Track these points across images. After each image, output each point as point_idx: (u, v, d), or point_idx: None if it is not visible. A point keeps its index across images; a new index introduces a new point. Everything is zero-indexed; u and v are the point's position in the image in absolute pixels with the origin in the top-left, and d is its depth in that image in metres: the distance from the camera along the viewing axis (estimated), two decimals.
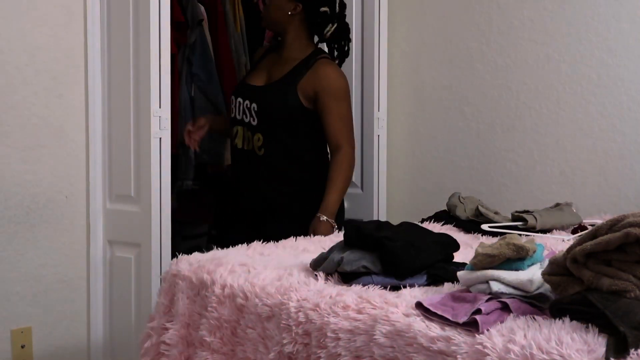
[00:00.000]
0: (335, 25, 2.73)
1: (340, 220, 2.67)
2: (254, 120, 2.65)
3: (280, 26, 2.72)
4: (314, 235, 2.38)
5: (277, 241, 2.15)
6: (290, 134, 2.65)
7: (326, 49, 2.79)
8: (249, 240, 2.15)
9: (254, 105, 2.65)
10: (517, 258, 1.38)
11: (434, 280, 1.59)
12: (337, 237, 2.16)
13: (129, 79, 2.61)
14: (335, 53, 2.78)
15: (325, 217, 2.52)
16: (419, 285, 1.57)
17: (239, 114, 2.68)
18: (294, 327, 1.52)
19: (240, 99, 2.68)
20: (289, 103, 2.62)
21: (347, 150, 2.64)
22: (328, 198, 2.56)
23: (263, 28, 3.41)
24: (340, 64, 2.77)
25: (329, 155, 2.71)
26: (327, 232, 2.47)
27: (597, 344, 1.15)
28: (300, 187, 2.68)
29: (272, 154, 2.64)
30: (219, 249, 2.04)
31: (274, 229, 2.47)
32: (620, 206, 2.78)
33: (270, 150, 2.63)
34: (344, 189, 2.64)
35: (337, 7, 2.74)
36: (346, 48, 2.79)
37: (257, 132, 2.64)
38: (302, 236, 2.25)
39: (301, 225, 2.52)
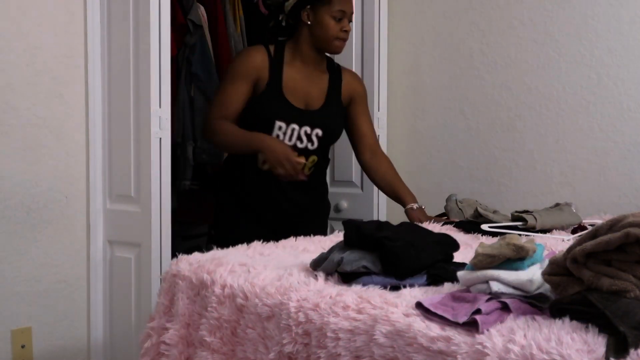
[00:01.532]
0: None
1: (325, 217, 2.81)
2: (312, 145, 2.58)
3: None
4: (421, 222, 2.45)
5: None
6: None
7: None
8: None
9: (316, 131, 2.57)
10: (517, 258, 1.38)
11: (434, 280, 1.59)
12: (337, 237, 2.16)
13: (129, 79, 2.61)
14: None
15: (418, 205, 2.63)
16: (419, 285, 1.56)
17: (289, 140, 2.53)
18: (294, 327, 1.52)
19: (294, 126, 2.53)
20: (342, 122, 2.70)
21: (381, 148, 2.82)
22: (405, 189, 2.70)
23: (263, 28, 3.42)
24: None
25: (361, 155, 2.76)
26: (426, 216, 2.59)
27: (597, 344, 1.15)
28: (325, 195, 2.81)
29: (319, 172, 2.68)
30: (219, 249, 2.04)
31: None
32: (620, 206, 2.78)
33: (318, 169, 2.65)
34: None
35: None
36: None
37: (312, 154, 2.58)
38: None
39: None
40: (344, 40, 2.57)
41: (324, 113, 2.61)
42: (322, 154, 2.65)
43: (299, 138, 2.55)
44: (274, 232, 2.35)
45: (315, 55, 2.62)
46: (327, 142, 2.64)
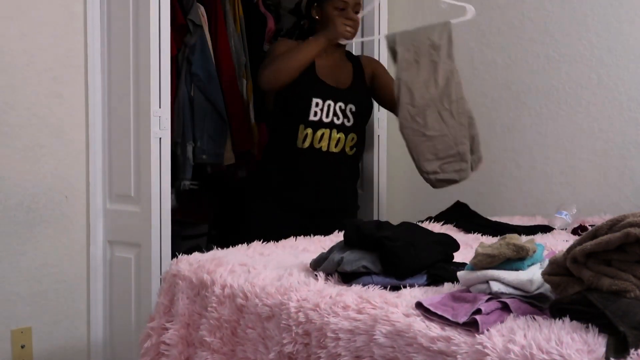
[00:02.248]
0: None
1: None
2: (348, 121, 2.74)
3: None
4: None
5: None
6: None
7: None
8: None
9: (350, 106, 2.74)
10: (517, 258, 1.38)
11: (434, 280, 1.59)
12: (337, 237, 2.16)
13: (129, 79, 2.61)
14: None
15: None
16: (419, 285, 1.57)
17: (327, 117, 2.70)
18: (294, 327, 1.52)
19: (330, 102, 2.71)
20: (371, 100, 2.87)
21: None
22: None
23: (263, 28, 3.42)
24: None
25: None
26: None
27: (597, 344, 1.15)
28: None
29: (359, 153, 2.86)
30: (220, 249, 2.05)
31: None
32: (620, 206, 2.78)
33: (359, 150, 2.83)
34: None
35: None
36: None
37: (351, 132, 2.75)
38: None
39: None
40: (352, 28, 2.69)
41: (354, 90, 2.79)
42: (359, 138, 2.80)
43: (335, 114, 2.71)
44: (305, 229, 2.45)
45: (334, 47, 2.78)
46: (360, 118, 2.79)
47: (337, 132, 2.71)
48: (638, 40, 2.82)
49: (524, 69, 3.09)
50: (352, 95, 2.76)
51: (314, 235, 2.28)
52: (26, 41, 2.58)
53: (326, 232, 2.32)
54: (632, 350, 1.11)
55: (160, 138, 2.57)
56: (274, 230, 2.34)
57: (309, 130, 2.67)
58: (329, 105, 2.69)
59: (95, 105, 2.71)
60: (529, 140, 3.08)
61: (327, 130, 2.69)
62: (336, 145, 2.71)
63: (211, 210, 3.49)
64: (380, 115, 3.23)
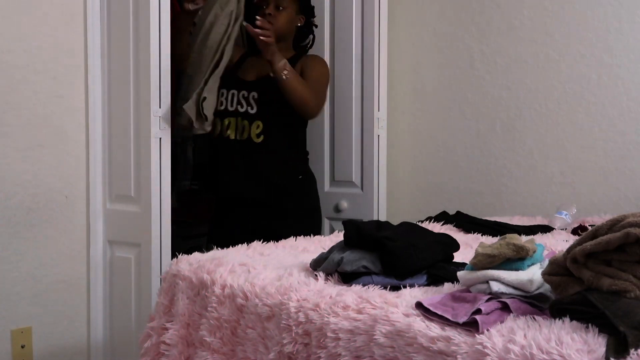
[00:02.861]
0: (312, 37, 3.02)
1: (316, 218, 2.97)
2: (252, 109, 2.79)
3: (286, 36, 2.88)
4: None
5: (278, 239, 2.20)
6: (287, 124, 2.82)
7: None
8: (249, 235, 2.27)
9: (253, 94, 2.80)
10: (517, 258, 1.38)
11: (434, 280, 1.59)
12: (337, 237, 2.16)
13: (129, 79, 2.61)
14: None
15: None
16: (419, 285, 1.57)
17: (231, 106, 2.82)
18: (294, 327, 1.52)
19: (234, 91, 2.83)
20: (278, 91, 2.74)
21: None
22: None
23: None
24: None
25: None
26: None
27: (597, 344, 1.15)
28: (304, 177, 2.90)
29: (272, 142, 2.80)
30: (219, 249, 2.05)
31: (278, 226, 2.68)
32: (620, 206, 2.78)
33: (270, 139, 2.79)
34: None
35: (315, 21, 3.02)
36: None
37: (256, 120, 2.78)
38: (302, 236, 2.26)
39: (303, 224, 2.68)
40: (264, 25, 2.62)
41: (261, 80, 2.83)
42: (267, 126, 2.78)
43: (239, 102, 2.81)
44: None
45: (286, 48, 2.85)
46: (265, 106, 2.78)
47: (242, 120, 2.79)
48: (638, 40, 2.82)
49: (524, 69, 3.09)
50: (256, 85, 2.82)
51: (247, 225, 2.42)
52: (26, 41, 2.58)
53: (253, 223, 2.52)
54: (632, 350, 1.11)
55: (160, 138, 2.56)
56: (217, 221, 2.78)
57: (217, 120, 2.82)
58: (232, 94, 2.82)
59: (95, 105, 2.71)
60: (529, 140, 3.08)
61: (233, 119, 2.80)
62: (242, 134, 2.79)
63: (211, 210, 3.48)
64: (380, 115, 3.23)
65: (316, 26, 3.05)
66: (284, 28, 2.83)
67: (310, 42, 3.04)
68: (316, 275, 1.68)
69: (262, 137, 2.78)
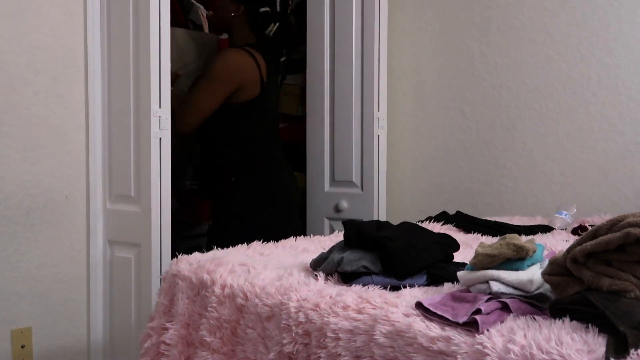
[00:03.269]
0: (277, 24, 2.98)
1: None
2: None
3: (225, 27, 2.96)
4: None
5: None
6: None
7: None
8: None
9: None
10: (517, 258, 1.38)
11: (434, 280, 1.59)
12: (337, 237, 2.16)
13: (129, 79, 2.61)
14: (284, 52, 3.07)
15: None
16: (419, 285, 1.57)
17: None
18: (294, 327, 1.52)
19: None
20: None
21: None
22: None
23: None
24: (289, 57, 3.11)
25: None
26: None
27: (597, 344, 1.15)
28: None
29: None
30: (219, 248, 2.05)
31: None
32: (620, 206, 2.79)
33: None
34: None
35: (279, 7, 3.00)
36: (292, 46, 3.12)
37: None
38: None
39: None
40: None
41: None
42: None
43: None
44: None
45: (245, 42, 2.97)
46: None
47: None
48: (638, 40, 2.82)
49: (524, 69, 3.09)
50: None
51: None
52: (26, 41, 2.58)
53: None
54: (632, 351, 1.11)
55: (160, 138, 2.56)
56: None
57: None
58: None
59: (95, 105, 2.71)
60: (529, 140, 3.08)
61: None
62: None
63: (211, 210, 3.48)
64: (380, 115, 3.23)
65: (277, 13, 3.02)
66: (218, 19, 2.97)
67: (273, 30, 3.01)
68: (316, 275, 1.68)
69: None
